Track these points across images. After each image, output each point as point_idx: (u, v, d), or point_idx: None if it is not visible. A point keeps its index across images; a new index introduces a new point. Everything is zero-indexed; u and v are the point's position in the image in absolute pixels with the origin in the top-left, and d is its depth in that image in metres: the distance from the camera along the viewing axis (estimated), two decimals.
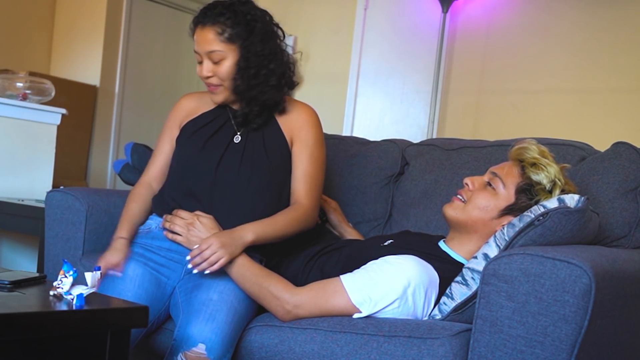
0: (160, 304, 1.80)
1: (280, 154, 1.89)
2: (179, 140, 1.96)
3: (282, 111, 1.92)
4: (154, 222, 1.93)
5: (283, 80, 1.88)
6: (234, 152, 1.88)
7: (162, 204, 1.92)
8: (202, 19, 1.82)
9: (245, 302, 1.72)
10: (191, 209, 1.83)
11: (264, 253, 1.87)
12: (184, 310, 1.72)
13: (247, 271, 1.71)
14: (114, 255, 1.80)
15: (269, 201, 1.86)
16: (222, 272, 1.74)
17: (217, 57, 1.81)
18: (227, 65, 1.82)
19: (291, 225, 1.83)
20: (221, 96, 1.87)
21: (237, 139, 1.89)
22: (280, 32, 1.90)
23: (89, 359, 1.36)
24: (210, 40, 1.80)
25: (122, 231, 1.88)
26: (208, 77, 1.84)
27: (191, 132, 1.93)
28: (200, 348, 1.59)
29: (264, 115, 1.89)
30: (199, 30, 1.83)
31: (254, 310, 1.75)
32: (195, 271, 1.72)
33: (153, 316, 1.76)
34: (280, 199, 1.89)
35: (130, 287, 1.76)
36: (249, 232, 1.76)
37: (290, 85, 1.92)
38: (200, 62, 1.85)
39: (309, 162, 1.90)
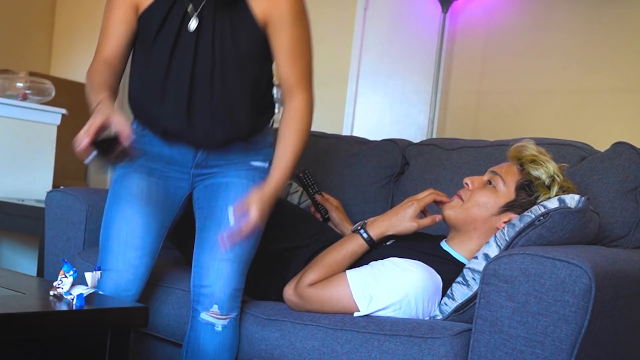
0: (172, 212, 1.83)
1: (251, 38, 1.70)
2: (141, 37, 1.73)
3: None
4: (137, 125, 1.85)
5: None
6: (192, 43, 1.68)
7: (143, 111, 1.81)
8: None
9: (250, 245, 1.75)
10: (174, 118, 1.73)
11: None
12: (198, 251, 1.75)
13: None
14: (101, 112, 1.47)
15: (251, 99, 1.75)
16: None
17: None
18: None
19: (303, 138, 1.75)
20: None
21: (194, 25, 1.68)
22: None
23: (89, 359, 1.36)
24: None
25: (99, 95, 1.55)
26: None
27: (151, 26, 1.70)
28: (215, 309, 1.70)
29: None
30: None
31: (256, 248, 1.80)
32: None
33: (165, 227, 1.81)
34: (264, 96, 1.81)
35: (138, 208, 1.75)
36: (275, 187, 1.70)
37: None
38: None
39: (291, 42, 1.69)
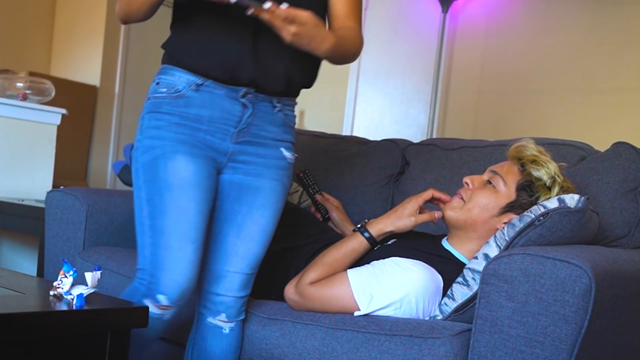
0: (212, 197, 1.63)
1: None
2: None
3: None
4: (180, 79, 1.60)
5: None
6: None
7: (200, 48, 1.57)
8: None
9: (263, 251, 1.70)
10: (238, 51, 1.55)
11: None
12: (212, 257, 1.65)
13: None
14: None
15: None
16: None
17: None
18: None
19: (354, 44, 1.65)
20: None
21: None
22: None
23: (89, 359, 1.36)
24: None
25: None
26: None
27: None
28: (223, 317, 1.67)
29: None
30: None
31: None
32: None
33: (209, 215, 1.61)
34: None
35: (192, 195, 1.55)
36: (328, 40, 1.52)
37: None
38: None
39: None
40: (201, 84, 1.59)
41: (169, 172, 1.55)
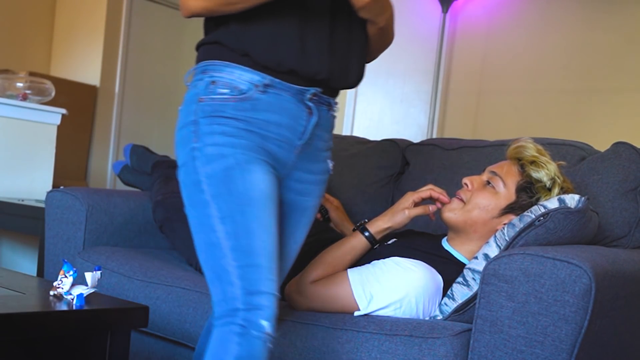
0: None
1: None
2: None
3: None
4: (241, 77, 1.38)
5: None
6: None
7: (268, 38, 1.36)
8: None
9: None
10: (314, 47, 1.38)
11: None
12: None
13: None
14: None
15: None
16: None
17: None
18: None
19: (393, 31, 1.60)
20: None
21: None
22: None
23: (89, 359, 1.36)
24: None
25: None
26: None
27: None
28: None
29: None
30: None
31: None
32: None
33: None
34: None
35: (272, 210, 1.36)
36: None
37: None
38: None
39: None
40: (269, 85, 1.38)
41: (248, 184, 1.34)
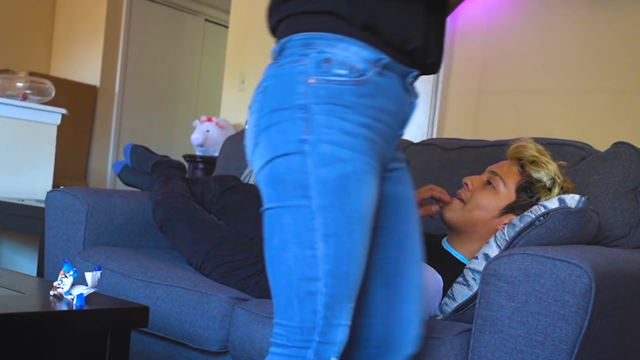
0: None
1: None
2: None
3: None
4: (356, 55, 1.15)
5: None
6: None
7: (397, 9, 1.17)
8: None
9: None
10: (421, 28, 1.20)
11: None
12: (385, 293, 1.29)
13: None
14: None
15: None
16: None
17: None
18: None
19: None
20: None
21: None
22: None
23: (89, 359, 1.36)
24: None
25: None
26: None
27: None
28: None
29: None
30: None
31: None
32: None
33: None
34: None
35: (371, 228, 1.18)
36: None
37: None
38: None
39: None
40: (387, 66, 1.17)
41: (362, 199, 1.14)
